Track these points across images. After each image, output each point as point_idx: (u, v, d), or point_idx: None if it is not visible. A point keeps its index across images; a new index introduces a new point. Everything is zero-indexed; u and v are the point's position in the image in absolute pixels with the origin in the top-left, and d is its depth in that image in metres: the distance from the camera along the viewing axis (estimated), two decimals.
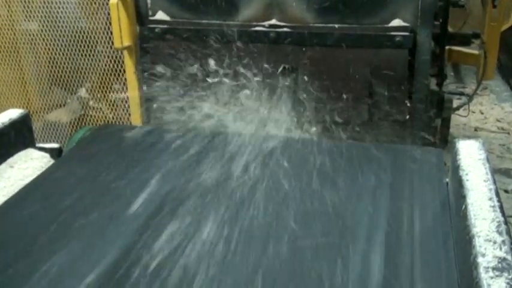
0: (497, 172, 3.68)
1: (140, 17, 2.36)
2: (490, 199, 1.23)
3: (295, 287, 1.13)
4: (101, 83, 2.74)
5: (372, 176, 1.55)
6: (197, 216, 1.36)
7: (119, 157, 1.68)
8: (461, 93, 3.42)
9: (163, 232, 1.29)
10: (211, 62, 2.25)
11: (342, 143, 1.90)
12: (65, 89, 2.85)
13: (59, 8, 2.66)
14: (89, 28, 2.64)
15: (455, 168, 1.42)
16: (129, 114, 2.59)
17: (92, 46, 2.66)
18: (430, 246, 1.23)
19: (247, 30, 2.19)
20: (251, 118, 2.29)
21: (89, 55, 2.69)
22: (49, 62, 2.78)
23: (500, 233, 1.10)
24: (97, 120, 2.83)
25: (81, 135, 1.94)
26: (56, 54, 2.75)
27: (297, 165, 1.61)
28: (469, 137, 1.58)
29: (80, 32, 2.67)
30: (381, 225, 1.31)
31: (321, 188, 1.49)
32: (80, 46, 2.70)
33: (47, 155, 1.74)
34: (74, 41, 2.69)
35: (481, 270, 0.99)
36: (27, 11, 2.70)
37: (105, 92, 2.76)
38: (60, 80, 2.81)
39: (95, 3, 2.59)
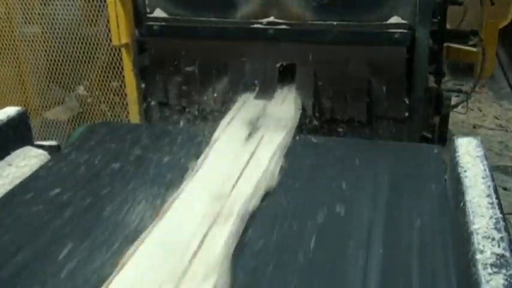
0: (495, 170, 3.68)
1: (138, 14, 2.35)
2: (489, 196, 1.23)
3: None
4: (99, 80, 2.73)
5: (371, 173, 1.55)
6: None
7: (116, 154, 1.68)
8: (460, 91, 3.42)
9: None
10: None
11: (341, 140, 1.90)
12: (63, 87, 2.84)
13: (57, 6, 2.65)
14: (88, 26, 2.64)
15: (454, 165, 1.42)
16: (127, 112, 2.59)
17: (90, 44, 2.66)
18: (429, 243, 1.23)
19: (245, 27, 2.18)
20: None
21: (87, 53, 2.68)
22: (47, 59, 2.77)
23: (498, 230, 1.10)
24: (95, 118, 2.83)
25: (79, 133, 1.93)
26: (54, 52, 2.74)
27: (294, 162, 1.61)
28: (467, 135, 1.58)
29: (78, 30, 2.66)
30: (379, 222, 1.31)
31: (319, 185, 1.49)
32: (78, 44, 2.69)
33: (45, 153, 1.74)
34: (72, 38, 2.69)
35: (480, 266, 1.00)
36: (25, 10, 2.70)
37: (103, 89, 2.75)
38: (58, 78, 2.81)
39: (94, 1, 2.58)
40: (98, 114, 2.82)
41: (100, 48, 2.61)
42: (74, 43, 2.68)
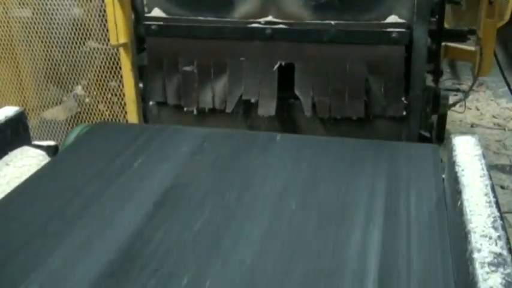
0: (493, 168, 3.69)
1: (136, 13, 2.35)
2: (486, 195, 1.23)
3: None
4: (97, 80, 2.73)
5: (368, 172, 1.55)
6: (195, 211, 1.37)
7: (114, 154, 1.68)
8: (458, 90, 3.43)
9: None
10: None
11: (338, 139, 1.90)
12: (61, 87, 2.84)
13: (55, 4, 2.65)
14: (85, 24, 2.63)
15: (452, 164, 1.43)
16: (125, 112, 2.59)
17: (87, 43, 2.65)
18: (426, 242, 1.23)
19: (243, 27, 2.18)
20: (246, 115, 2.30)
21: (85, 52, 2.68)
22: (45, 59, 2.77)
23: (496, 229, 1.10)
24: (93, 118, 2.83)
25: (77, 133, 1.93)
26: (51, 51, 2.74)
27: (292, 161, 1.62)
28: (465, 133, 1.58)
29: (76, 29, 2.66)
30: (377, 221, 1.32)
31: (316, 184, 1.49)
32: (76, 43, 2.69)
33: (43, 153, 1.74)
34: (69, 38, 2.68)
35: (477, 265, 1.00)
36: (21, 3, 2.69)
37: (102, 89, 2.75)
38: (56, 78, 2.80)
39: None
40: (96, 114, 2.82)
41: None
42: (71, 40, 2.68)
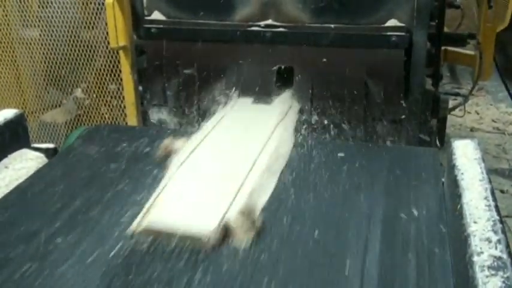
0: (492, 172, 3.68)
1: (136, 16, 2.35)
2: (486, 198, 1.23)
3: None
4: (96, 83, 2.73)
5: (368, 175, 1.55)
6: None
7: (114, 157, 1.68)
8: (457, 94, 3.42)
9: None
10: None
11: (338, 142, 1.91)
12: (61, 90, 2.84)
13: (56, 9, 2.65)
14: (86, 29, 2.64)
15: (451, 167, 1.43)
16: (125, 115, 2.59)
17: (88, 47, 2.66)
18: (426, 245, 1.23)
19: (243, 30, 2.18)
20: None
21: (85, 56, 2.68)
22: (45, 62, 2.77)
23: (495, 232, 1.10)
24: (93, 121, 2.83)
25: (76, 136, 1.93)
26: (51, 54, 2.74)
27: (292, 163, 1.61)
28: (464, 138, 1.58)
29: (76, 33, 2.67)
30: (376, 224, 1.31)
31: (317, 187, 1.49)
32: (76, 47, 2.69)
33: (42, 156, 1.74)
34: (69, 41, 2.69)
35: (477, 269, 1.00)
36: (23, 12, 2.70)
37: (101, 92, 2.75)
38: (56, 81, 2.81)
39: (92, 3, 2.58)
40: (96, 117, 2.82)
41: (98, 52, 2.61)
42: (72, 46, 2.68)
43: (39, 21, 2.68)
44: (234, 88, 2.25)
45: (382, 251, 1.21)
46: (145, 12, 2.32)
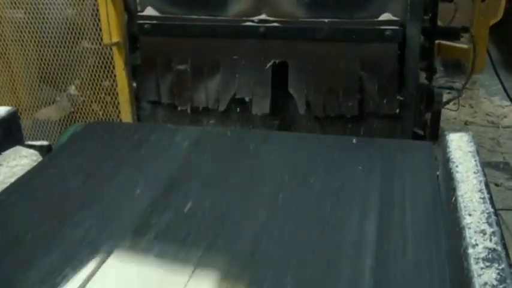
0: (487, 166, 3.70)
1: (129, 12, 2.34)
2: (480, 191, 1.23)
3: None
4: (90, 80, 2.72)
5: (362, 169, 1.55)
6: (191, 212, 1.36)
7: (108, 154, 1.67)
8: (451, 88, 3.43)
9: None
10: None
11: (332, 136, 1.91)
12: (54, 87, 2.83)
13: (47, 4, 2.64)
14: (78, 24, 2.63)
15: (446, 160, 1.43)
16: (119, 111, 2.58)
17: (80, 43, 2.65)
18: (421, 239, 1.23)
19: (236, 25, 2.18)
20: (240, 113, 2.30)
21: (79, 52, 2.67)
22: (38, 59, 2.76)
23: (490, 224, 1.10)
24: (87, 118, 2.82)
25: (70, 133, 1.92)
26: (44, 51, 2.73)
27: (287, 158, 1.61)
28: (459, 131, 1.58)
29: (69, 28, 2.65)
30: (371, 218, 1.31)
31: (310, 181, 1.49)
32: (69, 43, 2.68)
33: (36, 153, 1.73)
34: (62, 38, 2.67)
35: (472, 261, 1.00)
36: (13, 2, 2.68)
37: (95, 89, 2.74)
38: (49, 78, 2.79)
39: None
40: (90, 114, 2.82)
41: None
42: (64, 40, 2.67)
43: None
44: (227, 84, 2.25)
45: (377, 245, 1.21)
46: (138, 8, 2.32)
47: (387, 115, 2.16)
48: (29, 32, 2.71)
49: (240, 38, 2.20)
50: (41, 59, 2.75)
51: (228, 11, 2.21)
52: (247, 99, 2.23)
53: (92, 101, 2.77)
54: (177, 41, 2.27)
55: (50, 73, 2.77)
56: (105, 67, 2.65)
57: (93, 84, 2.73)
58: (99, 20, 2.41)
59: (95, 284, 1.11)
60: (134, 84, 2.44)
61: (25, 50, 2.76)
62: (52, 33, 2.67)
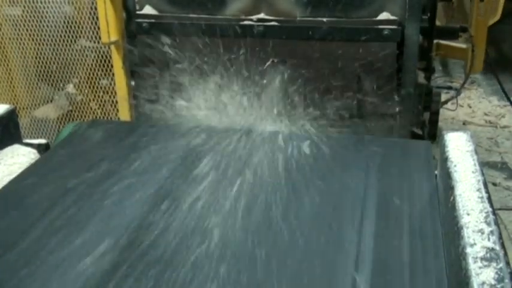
0: (485, 165, 3.70)
1: (127, 11, 2.34)
2: (478, 190, 1.23)
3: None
4: (88, 78, 2.72)
5: (361, 168, 1.55)
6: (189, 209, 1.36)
7: (106, 152, 1.67)
8: (450, 87, 3.43)
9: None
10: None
11: (331, 135, 1.90)
12: (52, 85, 2.83)
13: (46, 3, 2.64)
14: (76, 22, 2.62)
15: (444, 160, 1.43)
16: (117, 110, 2.58)
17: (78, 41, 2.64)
18: (419, 238, 1.23)
19: (235, 24, 2.18)
20: (238, 113, 2.29)
21: (76, 50, 2.67)
22: (36, 58, 2.75)
23: (488, 224, 1.10)
24: (85, 116, 2.82)
25: (68, 131, 1.92)
26: (42, 50, 2.73)
27: (286, 157, 1.61)
28: (457, 131, 1.58)
29: (67, 26, 2.65)
30: (369, 217, 1.31)
31: (309, 180, 1.49)
32: (67, 41, 2.68)
33: (34, 151, 1.73)
34: (61, 36, 2.67)
35: (470, 260, 1.00)
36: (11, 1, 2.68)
37: (93, 87, 2.74)
38: (47, 76, 2.79)
39: None
40: (88, 113, 2.81)
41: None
42: (62, 39, 2.66)
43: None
44: (226, 82, 2.24)
45: (375, 243, 1.21)
46: (137, 7, 2.31)
47: (385, 114, 2.16)
48: (26, 30, 2.70)
49: (239, 37, 2.19)
50: (39, 57, 2.75)
51: (227, 10, 2.20)
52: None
53: (90, 100, 2.77)
54: (175, 40, 2.26)
55: (48, 71, 2.77)
56: (103, 66, 2.65)
57: (91, 83, 2.72)
58: (97, 18, 2.40)
59: None
60: (132, 83, 2.44)
61: (23, 48, 2.75)
62: (50, 31, 2.67)
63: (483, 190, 1.24)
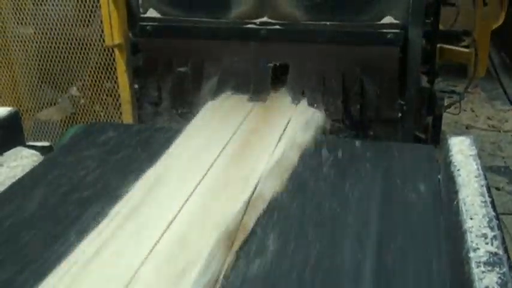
0: (488, 170, 3.69)
1: (131, 14, 2.35)
2: (482, 194, 1.23)
3: None
4: (92, 81, 2.72)
5: (364, 173, 1.55)
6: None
7: (109, 155, 1.67)
8: (453, 91, 3.42)
9: None
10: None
11: (333, 140, 1.90)
12: (56, 88, 2.83)
13: (50, 6, 2.64)
14: (81, 26, 2.63)
15: (447, 164, 1.43)
16: (120, 113, 2.58)
17: (83, 45, 2.65)
18: (422, 242, 1.23)
19: (238, 28, 2.18)
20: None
21: (80, 53, 2.67)
22: (40, 60, 2.76)
23: (491, 228, 1.10)
24: (88, 119, 2.82)
25: (72, 134, 1.92)
26: (46, 52, 2.73)
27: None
28: (460, 135, 1.58)
29: (71, 31, 2.66)
30: (373, 221, 1.31)
31: (312, 184, 1.49)
32: (71, 44, 2.68)
33: (38, 153, 1.73)
34: (64, 39, 2.68)
35: (473, 265, 1.00)
36: (17, 10, 2.69)
37: (96, 90, 2.74)
38: (50, 79, 2.79)
39: (87, 1, 2.58)
40: (91, 115, 2.81)
41: (93, 49, 2.61)
42: (67, 44, 2.67)
43: (33, 18, 2.67)
44: (228, 86, 2.24)
45: (378, 248, 1.21)
46: (141, 10, 2.32)
47: (388, 119, 2.16)
48: (32, 38, 2.71)
49: (242, 40, 2.19)
50: (43, 60, 2.75)
51: (230, 13, 2.21)
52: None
53: (93, 103, 2.77)
54: (178, 43, 2.27)
55: (51, 74, 2.77)
56: (107, 68, 2.65)
57: (94, 86, 2.73)
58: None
59: None
60: (136, 86, 2.44)
61: (27, 51, 2.76)
62: (55, 39, 2.68)
63: (486, 194, 1.24)
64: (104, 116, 2.76)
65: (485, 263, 1.00)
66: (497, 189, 3.55)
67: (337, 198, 1.42)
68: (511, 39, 4.96)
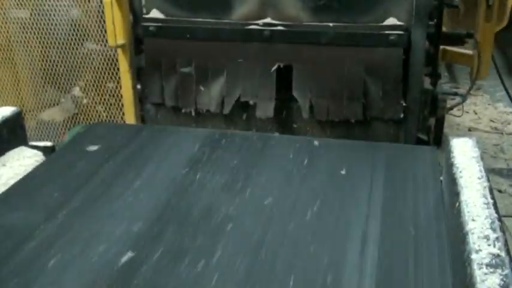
0: (490, 172, 3.68)
1: (134, 15, 2.35)
2: (484, 196, 1.23)
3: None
4: (94, 81, 2.73)
5: (366, 174, 1.55)
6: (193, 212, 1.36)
7: (111, 155, 1.68)
8: (455, 93, 3.42)
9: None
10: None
11: (336, 140, 1.90)
12: (59, 88, 2.84)
13: (53, 5, 2.65)
14: (83, 26, 2.63)
15: (449, 166, 1.42)
16: (123, 113, 2.58)
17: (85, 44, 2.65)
18: (424, 244, 1.23)
19: (241, 29, 2.18)
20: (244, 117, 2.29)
21: (83, 54, 2.68)
22: (42, 60, 2.76)
23: (494, 230, 1.10)
24: (91, 119, 2.82)
25: (74, 134, 1.92)
26: (49, 52, 2.74)
27: (290, 162, 1.61)
28: (463, 137, 1.58)
29: (74, 29, 2.66)
30: (375, 223, 1.31)
31: (313, 186, 1.48)
32: (74, 44, 2.69)
33: (40, 153, 1.73)
34: (67, 39, 2.68)
35: (475, 266, 0.99)
36: (19, 4, 2.69)
37: (99, 91, 2.75)
38: (53, 79, 2.80)
39: (90, 1, 2.58)
40: (94, 116, 2.82)
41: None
42: (69, 41, 2.67)
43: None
44: (231, 87, 2.25)
45: (379, 249, 1.21)
46: (144, 11, 2.32)
47: (391, 120, 2.16)
48: (34, 33, 2.71)
49: (245, 41, 2.20)
50: (46, 60, 2.76)
51: (233, 14, 2.21)
52: (251, 102, 2.23)
53: (96, 103, 2.78)
54: (181, 44, 2.27)
55: (54, 74, 2.78)
56: (110, 69, 2.66)
57: (97, 86, 2.73)
58: (104, 20, 2.41)
59: None
60: (138, 86, 2.44)
61: (30, 51, 2.77)
62: (57, 34, 2.68)
63: (489, 196, 1.23)
64: (107, 117, 2.77)
65: (488, 265, 1.00)
66: (500, 191, 3.54)
67: (337, 199, 1.42)
68: None
